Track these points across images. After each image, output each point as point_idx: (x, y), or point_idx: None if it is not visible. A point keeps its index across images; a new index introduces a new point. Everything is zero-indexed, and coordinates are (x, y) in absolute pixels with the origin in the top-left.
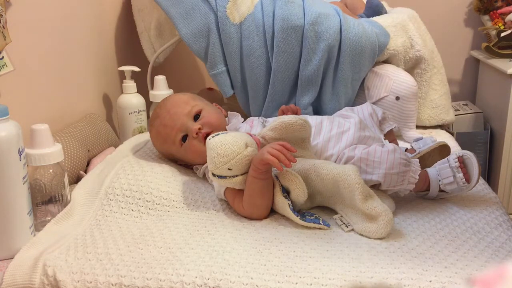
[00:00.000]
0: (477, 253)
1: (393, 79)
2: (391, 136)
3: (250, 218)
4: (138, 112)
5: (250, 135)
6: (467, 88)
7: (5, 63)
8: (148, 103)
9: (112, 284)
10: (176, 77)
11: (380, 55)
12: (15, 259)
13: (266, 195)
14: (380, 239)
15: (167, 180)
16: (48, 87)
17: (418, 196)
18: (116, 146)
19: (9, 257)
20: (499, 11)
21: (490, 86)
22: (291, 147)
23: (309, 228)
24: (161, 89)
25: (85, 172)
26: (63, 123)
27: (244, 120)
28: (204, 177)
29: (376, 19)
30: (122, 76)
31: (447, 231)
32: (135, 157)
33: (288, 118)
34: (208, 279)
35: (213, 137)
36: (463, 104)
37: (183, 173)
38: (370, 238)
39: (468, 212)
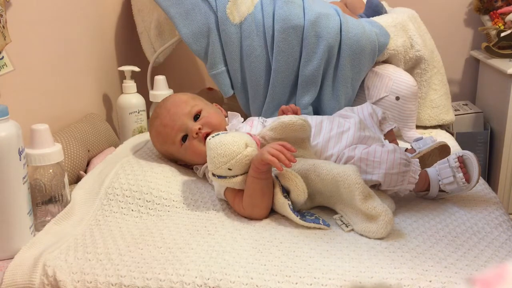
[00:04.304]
0: (477, 253)
1: (393, 79)
2: (391, 136)
3: (250, 218)
4: (138, 112)
5: (250, 135)
6: (467, 88)
7: (5, 63)
8: (148, 103)
9: (112, 284)
10: (176, 77)
11: (380, 55)
12: (15, 259)
13: (266, 195)
14: (380, 239)
15: (167, 180)
16: (48, 87)
17: (418, 196)
18: (116, 146)
19: (9, 257)
20: (499, 11)
21: (490, 86)
22: (291, 147)
23: (309, 228)
24: (161, 89)
25: (85, 172)
26: (63, 123)
27: (244, 120)
28: (204, 177)
29: (376, 19)
30: (122, 76)
31: (447, 231)
32: (135, 157)
33: (288, 118)
34: (208, 279)
35: (213, 137)
36: (463, 104)
37: (183, 173)
38: (370, 238)
39: (468, 212)
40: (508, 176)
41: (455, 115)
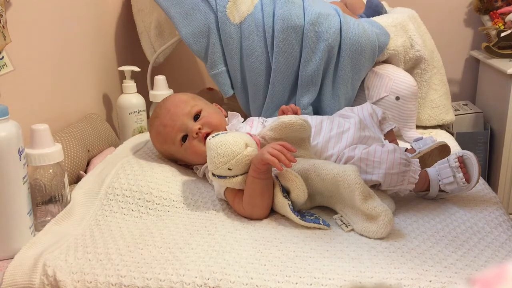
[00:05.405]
0: (477, 253)
1: (393, 79)
2: (391, 136)
3: (250, 218)
4: (138, 112)
5: (250, 135)
6: (467, 88)
7: (5, 63)
8: (148, 103)
9: (112, 284)
10: (176, 77)
11: (380, 55)
12: (15, 259)
13: (266, 195)
14: (380, 239)
15: (167, 180)
16: (48, 87)
17: (418, 196)
18: (116, 146)
19: (9, 257)
20: (499, 11)
21: (490, 86)
22: (291, 147)
23: (309, 228)
24: (161, 89)
25: (85, 172)
26: (63, 123)
27: (244, 120)
28: (204, 177)
29: (376, 19)
30: (122, 76)
31: (447, 231)
32: (135, 157)
33: (288, 118)
34: (208, 279)
35: (213, 137)
36: (463, 104)
37: (183, 173)
38: (370, 238)
39: (468, 212)
40: (508, 176)
41: (455, 115)
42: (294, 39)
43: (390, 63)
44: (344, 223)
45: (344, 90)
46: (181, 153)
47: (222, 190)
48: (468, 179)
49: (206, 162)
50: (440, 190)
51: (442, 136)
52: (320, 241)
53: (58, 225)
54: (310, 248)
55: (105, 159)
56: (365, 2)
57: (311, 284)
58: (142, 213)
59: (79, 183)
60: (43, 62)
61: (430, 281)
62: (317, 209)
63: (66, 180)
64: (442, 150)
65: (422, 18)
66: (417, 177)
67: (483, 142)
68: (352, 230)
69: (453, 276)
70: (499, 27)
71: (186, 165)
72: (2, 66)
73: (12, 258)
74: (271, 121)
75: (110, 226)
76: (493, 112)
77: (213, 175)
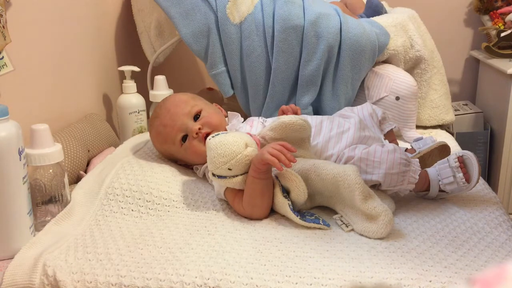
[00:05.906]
0: (477, 253)
1: (393, 79)
2: (391, 136)
3: (250, 218)
4: (138, 112)
5: (250, 135)
6: (467, 88)
7: (5, 63)
8: (148, 103)
9: (112, 284)
10: (176, 77)
11: (380, 55)
12: (15, 259)
13: (266, 195)
14: (380, 239)
15: (167, 180)
16: (48, 87)
17: (418, 196)
18: (116, 146)
19: (9, 257)
20: (499, 11)
21: (490, 86)
22: (291, 147)
23: (309, 228)
24: (161, 89)
25: (85, 172)
26: (63, 123)
27: (244, 120)
28: (204, 177)
29: (376, 19)
30: (122, 76)
31: (447, 231)
32: (135, 157)
33: (288, 118)
34: (208, 279)
35: (213, 137)
36: (463, 104)
37: (183, 173)
38: (370, 238)
39: (468, 212)
40: (508, 176)
41: (455, 115)
42: (294, 39)
43: (390, 63)
44: (344, 223)
45: (344, 90)
46: (181, 153)
47: (222, 190)
48: (468, 179)
49: (206, 162)
50: (440, 190)
51: (442, 136)
52: (320, 241)
53: (58, 225)
54: (310, 248)
55: (105, 159)
56: (365, 2)
57: (311, 284)
58: (142, 213)
59: (79, 183)
60: (43, 62)
61: (430, 281)
62: (317, 209)
63: (66, 180)
64: (442, 150)
65: (422, 18)
66: (417, 177)
67: (483, 142)
68: (352, 230)
69: (453, 276)
70: (499, 27)
71: (186, 165)
72: (2, 66)
73: (12, 258)
74: (271, 121)
75: (110, 226)
76: (493, 112)
77: (213, 175)
